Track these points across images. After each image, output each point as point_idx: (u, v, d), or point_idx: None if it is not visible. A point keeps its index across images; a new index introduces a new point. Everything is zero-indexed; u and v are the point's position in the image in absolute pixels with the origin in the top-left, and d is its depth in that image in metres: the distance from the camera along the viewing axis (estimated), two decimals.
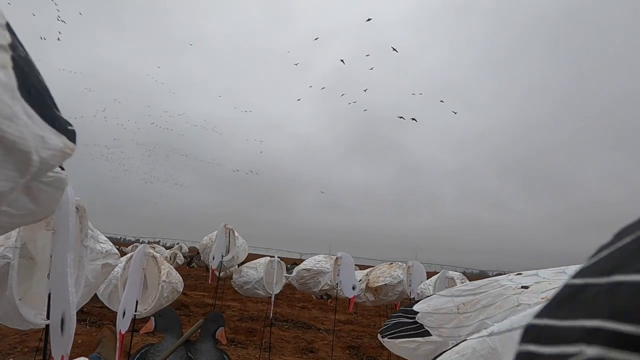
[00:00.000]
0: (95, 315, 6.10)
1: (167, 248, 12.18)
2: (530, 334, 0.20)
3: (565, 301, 0.20)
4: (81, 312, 6.42)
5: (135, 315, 2.27)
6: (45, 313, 1.13)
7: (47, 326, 1.15)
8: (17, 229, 1.17)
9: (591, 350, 0.17)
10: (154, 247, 9.96)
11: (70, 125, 0.52)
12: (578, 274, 0.20)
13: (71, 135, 0.51)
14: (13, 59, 0.41)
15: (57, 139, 0.47)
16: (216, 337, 3.04)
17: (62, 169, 0.53)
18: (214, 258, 3.97)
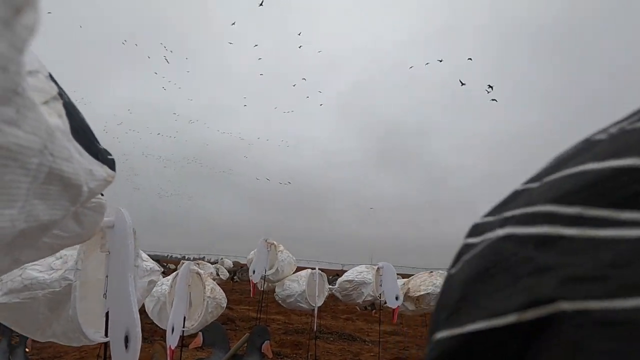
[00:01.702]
0: (146, 331, 6.35)
1: (211, 263, 12.52)
2: (471, 229, 0.23)
3: (503, 202, 0.22)
4: None
5: (183, 331, 2.35)
6: (104, 331, 1.20)
7: (106, 343, 1.23)
8: (78, 252, 1.26)
9: (502, 231, 0.20)
10: (198, 264, 10.28)
11: (110, 154, 0.58)
12: (524, 182, 0.22)
13: (111, 164, 0.57)
14: (64, 106, 0.47)
15: (101, 170, 0.53)
16: (262, 351, 3.08)
17: (102, 195, 0.60)
18: (254, 272, 4.05)
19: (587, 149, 0.20)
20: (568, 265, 0.16)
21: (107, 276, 1.18)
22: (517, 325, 0.16)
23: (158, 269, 1.66)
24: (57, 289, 1.17)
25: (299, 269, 4.87)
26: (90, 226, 0.59)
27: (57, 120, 0.45)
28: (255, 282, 4.32)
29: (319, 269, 4.49)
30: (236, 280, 13.12)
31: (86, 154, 0.50)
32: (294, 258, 4.71)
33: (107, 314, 1.20)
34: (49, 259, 1.19)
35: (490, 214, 0.22)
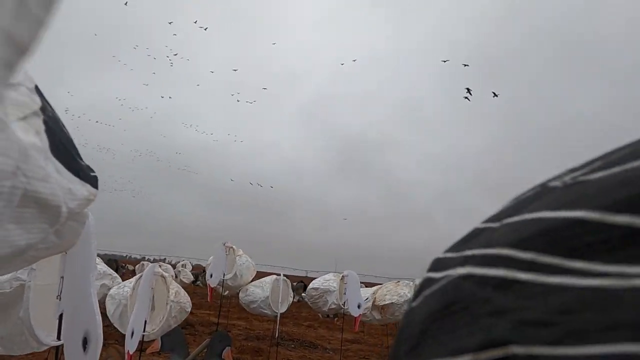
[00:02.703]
0: (104, 335, 6.07)
1: (172, 266, 12.16)
2: (432, 264, 0.24)
3: (464, 239, 0.23)
4: None
5: (143, 335, 2.26)
6: (56, 334, 1.14)
7: (58, 347, 1.16)
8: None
9: (462, 270, 0.20)
10: (160, 266, 9.94)
11: (93, 171, 0.55)
12: (485, 220, 0.23)
13: (94, 182, 0.54)
14: (45, 122, 0.45)
15: (82, 189, 0.50)
16: (222, 357, 3.01)
17: None
18: (212, 276, 3.95)
19: (542, 194, 0.21)
20: (521, 309, 0.17)
21: (62, 277, 1.12)
22: None
23: (110, 272, 1.60)
24: (7, 290, 1.10)
25: (262, 274, 4.81)
26: (71, 237, 0.55)
27: (34, 138, 0.42)
28: (212, 287, 4.23)
29: (283, 274, 4.45)
30: (198, 284, 12.82)
31: (66, 172, 0.47)
32: (253, 263, 4.64)
33: (60, 316, 1.14)
34: None
35: (451, 249, 0.23)
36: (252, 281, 4.52)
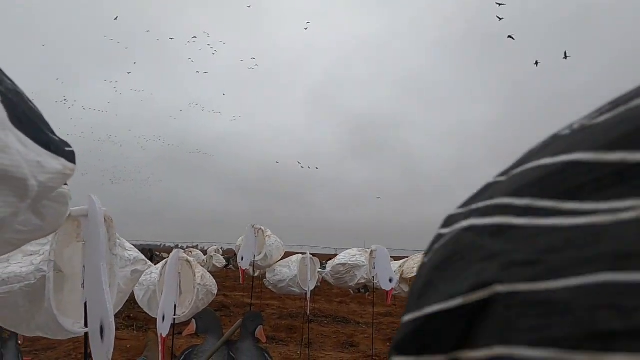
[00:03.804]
0: (141, 320, 6.34)
1: (204, 252, 12.52)
2: (444, 221, 0.24)
3: (475, 194, 0.23)
4: (128, 318, 6.69)
5: (174, 319, 2.32)
6: (83, 322, 1.17)
7: (86, 334, 1.19)
8: (50, 244, 1.21)
9: (466, 222, 0.21)
10: (191, 252, 10.27)
11: (69, 146, 0.53)
12: (496, 175, 0.23)
13: (70, 156, 0.52)
14: (1, 93, 0.43)
15: (53, 162, 0.48)
16: (256, 336, 3.09)
17: (65, 184, 0.54)
18: (242, 258, 4.03)
19: (551, 143, 0.21)
20: (510, 252, 0.17)
21: (84, 266, 1.14)
22: (463, 307, 0.17)
23: (142, 258, 1.62)
24: (33, 282, 1.13)
25: (289, 254, 4.87)
26: (54, 218, 0.54)
27: None
28: (244, 269, 4.31)
29: (312, 254, 4.48)
30: (230, 267, 13.15)
31: (32, 144, 0.45)
32: (282, 243, 4.69)
33: (85, 304, 1.17)
34: (30, 250, 1.16)
35: (462, 206, 0.24)
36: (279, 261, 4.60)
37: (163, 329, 2.20)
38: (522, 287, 0.16)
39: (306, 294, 4.22)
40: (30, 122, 0.46)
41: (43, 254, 1.16)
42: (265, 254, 4.31)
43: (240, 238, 5.27)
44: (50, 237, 1.17)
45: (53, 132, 0.51)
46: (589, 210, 0.16)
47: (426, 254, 0.24)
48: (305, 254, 4.28)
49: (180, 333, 3.05)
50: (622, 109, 0.19)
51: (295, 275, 4.28)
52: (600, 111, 0.20)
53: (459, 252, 0.20)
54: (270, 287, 4.62)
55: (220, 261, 11.48)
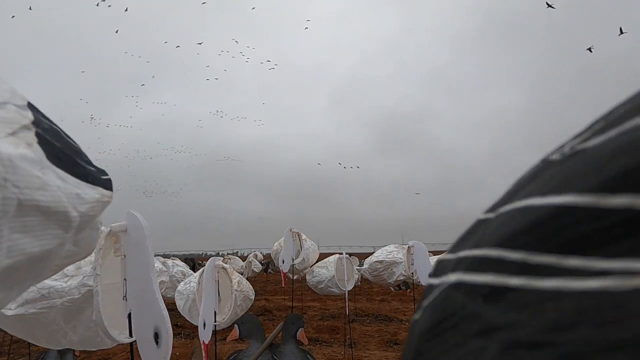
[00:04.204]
0: (188, 328, 6.53)
1: (242, 258, 12.76)
2: (435, 266, 0.21)
3: (465, 234, 0.21)
4: (176, 327, 6.92)
5: (215, 325, 2.38)
6: (128, 332, 1.22)
7: (132, 343, 1.25)
8: (95, 258, 1.28)
9: (453, 276, 0.18)
10: (229, 259, 10.50)
11: (105, 174, 0.56)
12: (486, 210, 0.20)
13: (107, 184, 0.55)
14: (37, 134, 0.46)
15: (92, 192, 0.51)
16: (297, 338, 3.11)
17: None
18: (283, 262, 4.09)
19: (540, 173, 0.18)
20: (512, 326, 0.14)
21: (124, 279, 1.20)
22: None
23: (165, 269, 1.68)
24: (76, 296, 1.18)
25: (327, 255, 4.89)
26: (87, 244, 0.58)
27: (25, 150, 0.43)
28: (285, 272, 4.37)
29: (348, 253, 4.48)
30: (270, 272, 13.33)
31: (71, 178, 0.49)
32: (317, 246, 4.76)
33: (129, 315, 1.22)
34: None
35: (452, 249, 0.21)
36: (316, 263, 4.64)
37: (205, 336, 2.26)
38: None
39: (345, 294, 4.22)
40: (67, 158, 0.49)
41: (80, 267, 1.21)
42: (303, 257, 4.36)
43: (276, 243, 5.35)
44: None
45: (90, 163, 0.54)
46: (598, 270, 0.13)
47: (418, 308, 0.21)
48: (342, 253, 4.29)
49: (224, 339, 3.12)
50: (614, 131, 0.16)
51: (333, 276, 4.29)
52: (593, 129, 0.17)
53: (449, 317, 0.17)
54: (312, 289, 4.66)
55: (257, 266, 11.67)
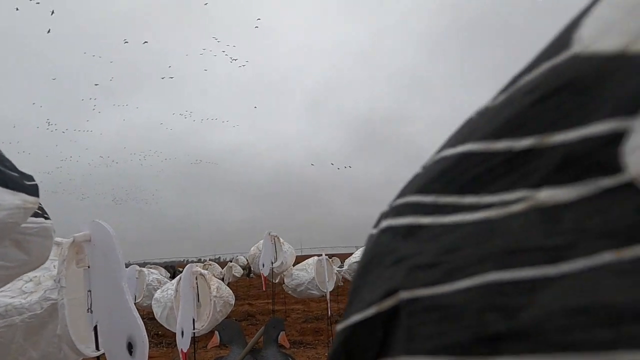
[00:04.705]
0: (169, 337, 6.41)
1: (221, 264, 12.65)
2: (377, 218, 0.24)
3: (402, 188, 0.23)
4: (157, 336, 6.78)
5: (194, 332, 2.34)
6: (94, 345, 1.18)
7: (98, 357, 1.22)
8: (58, 270, 1.23)
9: (384, 223, 0.21)
10: (209, 265, 10.38)
11: (31, 180, 0.56)
12: (422, 165, 0.23)
13: (32, 190, 0.54)
14: None
15: (12, 198, 0.50)
16: (279, 342, 3.09)
17: (47, 218, 0.57)
18: (264, 265, 4.07)
19: (460, 129, 0.21)
20: (415, 255, 0.17)
21: (89, 290, 1.16)
22: (378, 315, 0.18)
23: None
24: (39, 311, 1.14)
25: (309, 257, 4.89)
26: (39, 252, 0.57)
27: None
28: (265, 275, 4.35)
29: (330, 254, 4.49)
30: (251, 276, 13.24)
31: None
32: (294, 249, 4.81)
33: (95, 328, 1.18)
34: (17, 283, 1.17)
35: (391, 202, 0.23)
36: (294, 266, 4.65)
37: (183, 344, 2.22)
38: (423, 293, 0.16)
39: (324, 295, 4.22)
40: None
41: (40, 282, 1.17)
42: (282, 261, 4.35)
43: (254, 247, 5.32)
44: (45, 266, 1.19)
45: (14, 169, 0.52)
46: (485, 204, 0.16)
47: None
48: (321, 255, 4.29)
49: (206, 347, 3.08)
50: (512, 88, 0.18)
51: (313, 278, 4.28)
52: (502, 89, 0.20)
53: (377, 255, 0.20)
54: (290, 292, 4.64)
55: (239, 271, 11.58)
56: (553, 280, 0.13)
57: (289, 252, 4.50)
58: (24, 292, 1.14)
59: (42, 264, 0.58)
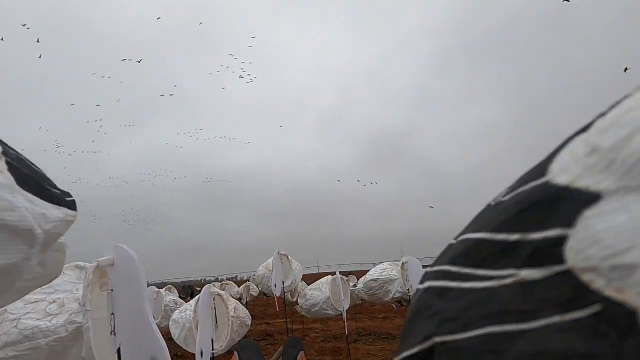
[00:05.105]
0: (188, 358, 6.41)
1: (238, 283, 12.64)
2: (422, 276, 0.33)
3: (440, 255, 0.32)
4: (176, 357, 6.79)
5: (213, 353, 2.37)
6: None
7: None
8: (83, 294, 1.29)
9: (428, 283, 0.30)
10: (226, 284, 10.37)
11: (69, 196, 0.65)
12: (455, 237, 0.32)
13: (71, 205, 0.63)
14: (7, 162, 0.54)
15: (57, 212, 0.59)
16: None
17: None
18: (276, 286, 4.03)
19: (480, 216, 0.31)
20: (445, 311, 0.26)
21: (112, 314, 1.20)
22: (420, 353, 0.26)
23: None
24: (64, 335, 1.19)
25: (322, 275, 4.85)
26: (54, 266, 0.66)
27: None
28: (278, 296, 4.33)
29: (347, 272, 4.45)
30: (269, 295, 13.17)
31: (39, 201, 0.57)
32: (309, 267, 4.73)
33: (119, 350, 1.22)
34: (42, 305, 1.23)
35: (432, 264, 0.32)
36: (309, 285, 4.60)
37: None
38: (448, 338, 0.24)
39: (341, 314, 4.18)
40: (34, 183, 0.57)
41: (64, 305, 1.22)
42: (292, 280, 4.33)
43: (261, 267, 5.27)
44: (55, 285, 1.25)
45: (55, 187, 0.62)
46: (489, 277, 0.25)
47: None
48: (335, 274, 4.26)
49: None
50: (517, 191, 0.28)
51: (328, 297, 4.25)
52: (511, 188, 0.30)
53: (420, 309, 0.29)
54: (304, 313, 4.60)
55: (255, 290, 11.56)
56: (525, 333, 0.21)
57: (297, 270, 4.49)
58: (49, 314, 1.19)
59: (57, 277, 0.65)
